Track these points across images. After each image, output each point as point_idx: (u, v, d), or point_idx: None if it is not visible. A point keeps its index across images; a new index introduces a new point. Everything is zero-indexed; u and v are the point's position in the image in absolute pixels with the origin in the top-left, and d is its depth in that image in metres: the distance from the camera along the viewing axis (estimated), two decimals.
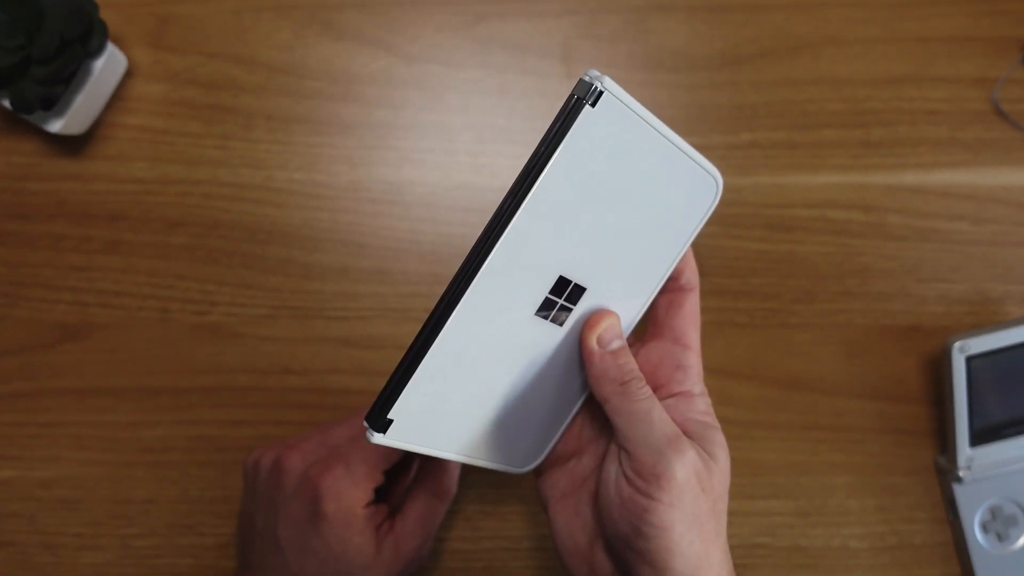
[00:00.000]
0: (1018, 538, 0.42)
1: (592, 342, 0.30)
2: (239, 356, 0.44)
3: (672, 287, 0.33)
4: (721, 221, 0.45)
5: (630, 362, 0.30)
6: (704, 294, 0.44)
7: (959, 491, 0.42)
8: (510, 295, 0.28)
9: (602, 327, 0.30)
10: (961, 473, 0.42)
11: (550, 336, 0.30)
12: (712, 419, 0.31)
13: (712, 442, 0.30)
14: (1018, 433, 0.42)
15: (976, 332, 0.41)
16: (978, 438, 0.42)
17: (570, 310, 0.29)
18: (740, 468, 0.42)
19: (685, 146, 0.28)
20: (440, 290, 0.42)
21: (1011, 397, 0.42)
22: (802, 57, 0.46)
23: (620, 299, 0.31)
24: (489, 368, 0.29)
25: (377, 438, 0.27)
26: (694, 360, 0.32)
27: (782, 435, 0.44)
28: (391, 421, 0.28)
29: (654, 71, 0.46)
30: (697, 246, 0.44)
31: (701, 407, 0.31)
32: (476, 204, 0.45)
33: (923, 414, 0.44)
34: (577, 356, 0.31)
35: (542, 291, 0.28)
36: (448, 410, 0.29)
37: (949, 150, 0.46)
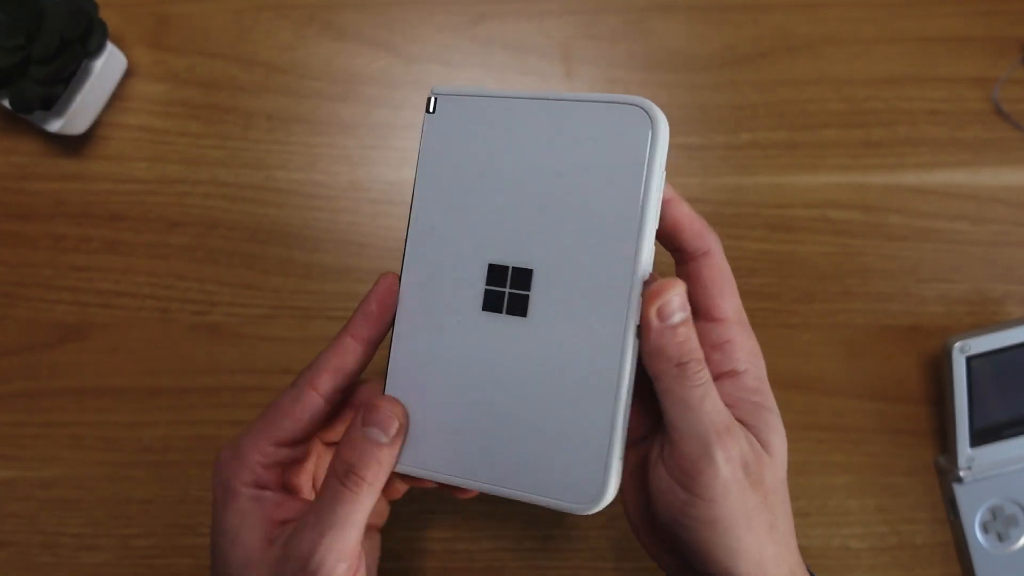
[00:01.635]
0: (1019, 538, 0.42)
1: (652, 314, 0.26)
2: (239, 356, 0.44)
3: (683, 258, 0.30)
4: (721, 221, 0.45)
5: (692, 339, 0.26)
6: None
7: (959, 491, 0.42)
8: (447, 296, 0.29)
9: (665, 298, 0.26)
10: (961, 473, 0.42)
11: (521, 330, 0.28)
12: (765, 398, 0.29)
13: (765, 427, 0.28)
14: (1018, 433, 0.42)
15: (976, 332, 0.42)
16: (978, 438, 0.42)
17: (526, 296, 0.28)
18: None
19: (575, 96, 0.28)
20: None
21: (1011, 397, 0.42)
22: (802, 57, 0.46)
23: (593, 271, 0.28)
24: (469, 380, 0.29)
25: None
26: (733, 333, 0.29)
27: None
28: None
29: (654, 71, 0.46)
30: None
31: (751, 384, 0.29)
32: None
33: (923, 414, 0.44)
34: (584, 346, 0.28)
35: (478, 284, 0.29)
36: (453, 431, 0.29)
37: (949, 150, 0.46)
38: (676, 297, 0.26)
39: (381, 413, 0.28)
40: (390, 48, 0.47)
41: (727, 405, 0.27)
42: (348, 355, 0.30)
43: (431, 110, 0.30)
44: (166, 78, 0.46)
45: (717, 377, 0.28)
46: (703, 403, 0.26)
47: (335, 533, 0.27)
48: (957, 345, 0.41)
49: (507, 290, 0.28)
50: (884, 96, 0.46)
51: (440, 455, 0.29)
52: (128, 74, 0.46)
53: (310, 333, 0.44)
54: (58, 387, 0.44)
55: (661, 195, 0.27)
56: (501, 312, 0.28)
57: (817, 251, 0.45)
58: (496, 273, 0.28)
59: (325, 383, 0.29)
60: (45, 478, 0.43)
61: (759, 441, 0.27)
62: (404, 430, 0.28)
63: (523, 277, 0.28)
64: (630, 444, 0.29)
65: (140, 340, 0.44)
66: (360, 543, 0.28)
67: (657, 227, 0.28)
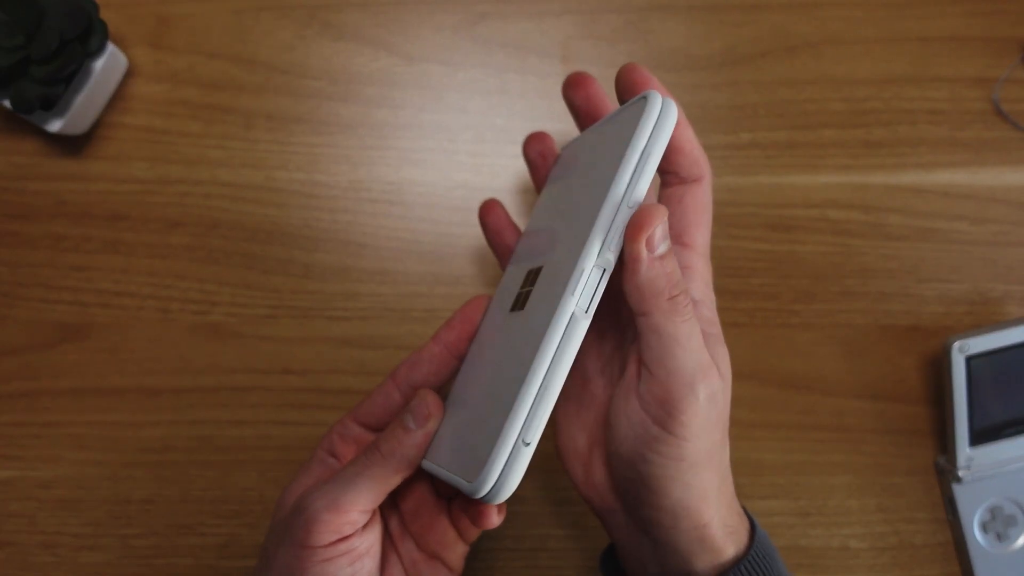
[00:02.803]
0: (1018, 538, 0.43)
1: (641, 245, 0.25)
2: (239, 356, 0.44)
3: (672, 180, 0.29)
4: (720, 221, 0.45)
5: (677, 272, 0.26)
6: None
7: (959, 491, 0.43)
8: (496, 307, 0.31)
9: (653, 226, 0.24)
10: (961, 473, 0.42)
11: (515, 324, 0.28)
12: (717, 328, 0.29)
13: (720, 357, 0.27)
14: (1018, 433, 0.43)
15: (976, 332, 0.42)
16: (978, 438, 0.42)
17: (529, 292, 0.28)
18: (740, 468, 0.41)
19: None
20: (441, 290, 0.42)
21: (1011, 397, 0.42)
22: (802, 57, 0.47)
23: (564, 257, 0.27)
24: (472, 378, 0.30)
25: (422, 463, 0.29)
26: (697, 261, 0.29)
27: (782, 435, 0.44)
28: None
29: (654, 71, 0.44)
30: None
31: (707, 315, 0.29)
32: (476, 204, 0.44)
33: (923, 414, 0.45)
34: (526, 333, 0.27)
35: (516, 288, 0.30)
36: (457, 429, 0.29)
37: (949, 150, 0.46)
38: (662, 225, 0.25)
39: (417, 401, 0.29)
40: (390, 48, 0.47)
41: None
42: (425, 353, 0.32)
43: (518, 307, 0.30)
44: (167, 78, 0.46)
45: None
46: (691, 339, 0.26)
47: (332, 485, 0.28)
48: (957, 345, 0.41)
49: (520, 289, 0.29)
50: (884, 96, 0.46)
51: (448, 454, 0.29)
52: (129, 74, 0.46)
53: (310, 333, 0.44)
54: (58, 387, 0.44)
55: (649, 178, 0.26)
56: (516, 310, 0.29)
57: (817, 251, 0.45)
58: (529, 276, 0.29)
59: (401, 376, 0.32)
60: (45, 478, 0.43)
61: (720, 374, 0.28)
62: (432, 421, 0.29)
63: (534, 275, 0.29)
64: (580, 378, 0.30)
65: (140, 340, 0.44)
66: (365, 516, 0.28)
67: (643, 198, 0.26)
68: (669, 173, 0.30)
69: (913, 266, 0.45)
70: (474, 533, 0.33)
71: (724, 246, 0.45)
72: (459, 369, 0.32)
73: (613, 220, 0.25)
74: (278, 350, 0.44)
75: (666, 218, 0.25)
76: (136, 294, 0.45)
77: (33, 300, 0.45)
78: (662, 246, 0.25)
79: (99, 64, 0.43)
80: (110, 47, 0.43)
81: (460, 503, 0.32)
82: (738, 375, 0.43)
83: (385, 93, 0.46)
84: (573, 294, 0.25)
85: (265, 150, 0.46)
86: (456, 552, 0.32)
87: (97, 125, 0.46)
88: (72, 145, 0.46)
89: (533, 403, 0.25)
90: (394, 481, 0.29)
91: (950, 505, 0.43)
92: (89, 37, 0.42)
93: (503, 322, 0.29)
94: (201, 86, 0.46)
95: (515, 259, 0.33)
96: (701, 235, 0.29)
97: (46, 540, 0.43)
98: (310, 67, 0.47)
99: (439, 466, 0.28)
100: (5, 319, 0.45)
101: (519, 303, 0.28)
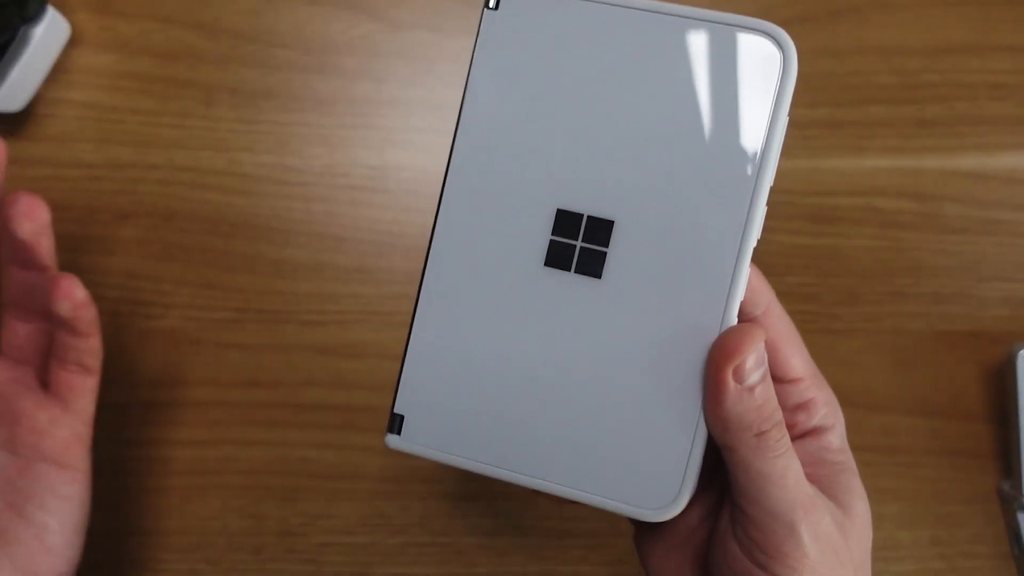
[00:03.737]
0: None
1: (728, 374, 0.24)
2: (199, 366, 0.42)
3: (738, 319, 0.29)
4: None
5: (772, 401, 0.25)
6: None
7: None
8: (497, 244, 0.25)
9: (745, 352, 0.24)
10: None
11: (592, 294, 0.26)
12: (847, 457, 0.28)
13: (847, 490, 0.27)
14: None
15: None
16: None
17: (603, 254, 0.25)
18: None
19: (684, 11, 0.25)
20: None
21: None
22: (845, 23, 0.45)
23: (692, 232, 0.25)
24: (520, 346, 0.25)
25: (392, 441, 0.26)
26: (812, 388, 0.28)
27: None
28: (401, 418, 0.26)
29: None
30: None
31: (835, 443, 0.28)
32: None
33: (984, 433, 0.43)
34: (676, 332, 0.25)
35: (542, 234, 0.25)
36: (494, 412, 0.26)
37: (1015, 130, 0.44)
38: (755, 352, 0.24)
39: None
40: (372, 12, 0.45)
41: (806, 464, 0.26)
42: None
43: (493, 5, 0.26)
44: (115, 47, 0.44)
45: (800, 437, 0.27)
46: (786, 477, 0.24)
47: None
48: (1023, 353, 0.40)
49: (579, 243, 0.25)
50: (939, 68, 0.45)
51: (467, 436, 0.26)
52: (71, 43, 0.44)
53: (280, 340, 0.42)
54: None
55: (781, 146, 0.25)
56: (569, 270, 0.25)
57: (863, 246, 0.44)
58: (566, 221, 0.25)
59: None
60: None
61: (840, 506, 0.26)
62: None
63: (602, 229, 0.25)
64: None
65: None
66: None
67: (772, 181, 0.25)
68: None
69: (973, 263, 0.44)
70: (84, 389, 0.32)
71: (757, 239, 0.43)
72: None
73: (753, 201, 0.25)
74: (243, 359, 0.42)
75: (762, 341, 0.24)
76: None
77: None
78: (755, 375, 0.24)
79: (38, 31, 0.41)
80: (50, 12, 0.41)
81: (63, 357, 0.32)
82: None
83: (366, 64, 0.44)
84: (728, 309, 0.25)
85: (228, 130, 0.44)
86: (60, 435, 0.32)
87: (36, 101, 0.43)
88: (7, 124, 0.44)
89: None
90: None
91: (1015, 538, 0.41)
92: (26, 1, 0.40)
93: (546, 282, 0.26)
94: (155, 56, 0.44)
95: (475, 168, 0.27)
96: (800, 359, 0.28)
97: None
98: (280, 34, 0.45)
99: (583, 491, 0.25)
100: None
101: (586, 266, 0.25)
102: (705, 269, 0.25)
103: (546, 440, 0.25)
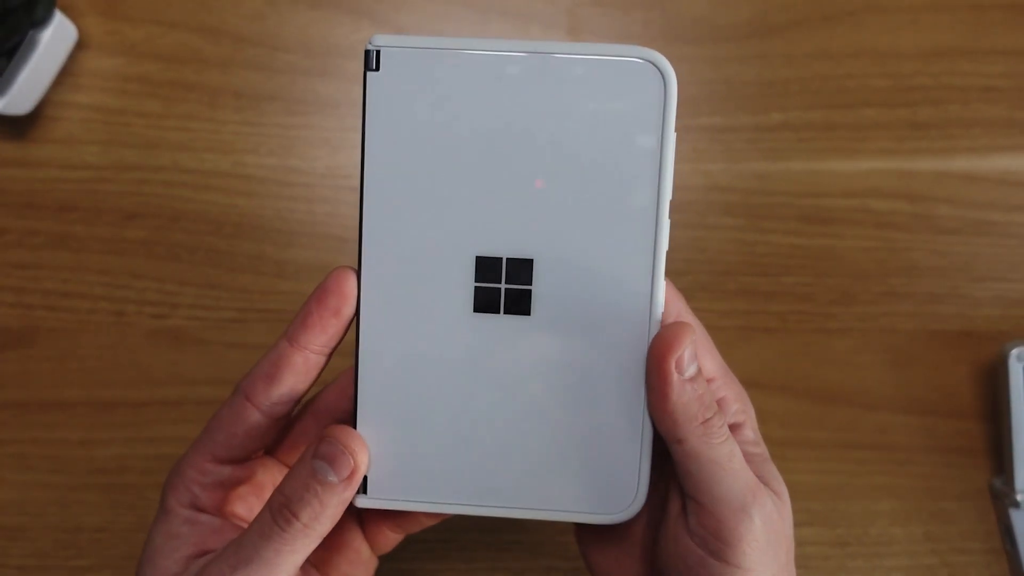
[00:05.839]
0: None
1: (671, 366, 0.25)
2: (203, 365, 0.43)
3: None
4: (749, 212, 0.44)
5: (708, 391, 0.26)
6: (729, 295, 0.43)
7: (1017, 517, 0.41)
8: (427, 300, 0.26)
9: (683, 344, 0.25)
10: (1019, 497, 0.41)
11: (525, 330, 0.27)
12: (762, 447, 0.29)
13: (773, 478, 0.28)
14: None
15: None
16: None
17: (528, 292, 0.26)
18: None
19: (563, 48, 0.26)
20: None
21: None
22: (840, 26, 0.45)
23: (605, 256, 0.27)
24: (466, 390, 0.27)
25: (361, 500, 0.27)
26: (723, 388, 0.29)
27: (818, 454, 0.43)
28: (364, 477, 0.27)
29: (673, 43, 0.44)
30: (719, 240, 0.43)
31: (751, 436, 0.29)
32: None
33: (977, 431, 0.43)
34: (609, 351, 0.27)
35: (467, 282, 0.26)
36: (447, 452, 0.27)
37: (1007, 132, 0.45)
38: (690, 346, 0.26)
39: (334, 447, 0.25)
40: (374, 16, 0.45)
41: None
42: (284, 363, 0.27)
43: (374, 66, 0.26)
44: (121, 51, 0.45)
45: None
46: (733, 462, 0.26)
47: (249, 571, 0.25)
48: (1015, 352, 0.41)
49: (503, 286, 0.26)
50: (933, 71, 0.45)
51: (431, 482, 0.27)
52: (79, 47, 0.44)
53: None
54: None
55: (674, 160, 0.26)
56: (499, 312, 0.26)
57: (857, 246, 0.44)
58: (487, 266, 0.26)
59: (260, 393, 0.27)
60: None
61: (773, 492, 0.27)
62: (360, 472, 0.26)
63: (522, 269, 0.26)
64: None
65: (92, 347, 0.43)
66: None
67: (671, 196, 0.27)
68: None
69: (965, 264, 0.44)
70: (395, 540, 0.32)
71: (753, 240, 0.44)
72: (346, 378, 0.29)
73: (657, 216, 0.26)
74: (247, 358, 0.41)
75: (694, 338, 0.26)
76: (87, 295, 0.43)
77: None
78: (692, 367, 0.26)
79: (46, 35, 0.41)
80: (58, 16, 0.42)
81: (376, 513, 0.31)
82: (768, 386, 0.43)
83: None
84: (652, 318, 0.26)
85: (233, 132, 0.44)
86: (369, 570, 0.32)
87: (43, 104, 0.44)
88: (15, 127, 0.44)
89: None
90: (313, 546, 0.26)
91: (1007, 533, 0.42)
92: (34, 5, 0.40)
93: (480, 327, 0.27)
94: (160, 60, 0.44)
95: (388, 225, 0.27)
96: (711, 361, 0.29)
97: None
98: (283, 38, 0.45)
99: (542, 508, 0.27)
100: None
101: (514, 306, 0.26)
102: (625, 287, 0.26)
103: (505, 471, 0.27)
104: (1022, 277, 0.44)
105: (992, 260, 0.44)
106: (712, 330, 0.42)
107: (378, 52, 0.26)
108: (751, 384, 0.42)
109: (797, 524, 0.42)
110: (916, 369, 0.44)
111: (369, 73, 0.26)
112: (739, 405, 0.29)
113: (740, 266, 0.44)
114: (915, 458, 0.43)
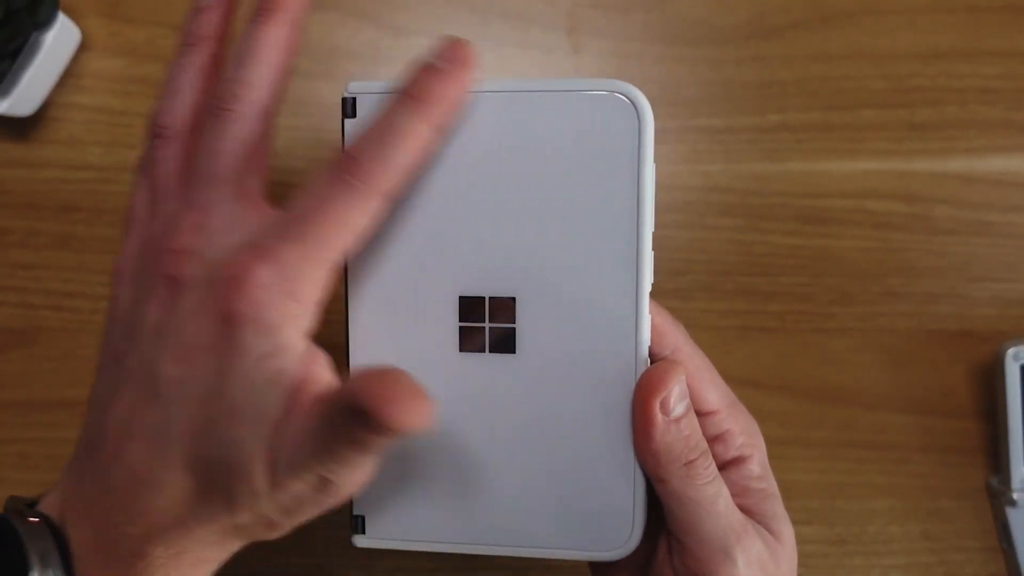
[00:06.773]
0: None
1: (655, 408, 0.25)
2: None
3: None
4: (747, 213, 0.44)
5: (696, 432, 0.26)
6: (728, 295, 0.43)
7: (1014, 516, 0.42)
8: (413, 342, 0.27)
9: (668, 385, 0.25)
10: (1016, 496, 0.41)
11: (511, 369, 0.27)
12: (770, 483, 0.29)
13: (774, 517, 0.28)
14: None
15: None
16: None
17: (512, 330, 0.26)
18: None
19: (534, 85, 0.26)
20: None
21: None
22: (838, 28, 0.45)
23: (588, 291, 0.27)
24: (457, 429, 0.27)
25: (360, 541, 0.27)
26: (728, 421, 0.28)
27: (816, 454, 0.43)
28: (362, 518, 0.27)
29: (672, 44, 0.44)
30: (718, 240, 0.44)
31: (756, 471, 0.28)
32: None
33: (974, 430, 0.43)
34: (600, 387, 0.27)
35: (452, 322, 0.26)
36: (444, 492, 0.27)
37: (1004, 133, 0.44)
38: (678, 386, 0.26)
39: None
40: (375, 20, 0.45)
41: (733, 495, 0.27)
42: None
43: (350, 113, 0.26)
44: (124, 52, 0.44)
45: (722, 467, 0.28)
46: (717, 503, 0.26)
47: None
48: (1011, 352, 0.41)
49: (487, 324, 0.26)
50: (930, 72, 0.45)
51: (428, 521, 0.27)
52: (81, 48, 0.44)
53: None
54: (2, 399, 0.43)
55: (654, 192, 0.26)
56: (484, 351, 0.26)
57: (855, 246, 0.44)
58: (471, 306, 0.26)
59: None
60: None
61: (770, 532, 0.27)
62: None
63: (505, 307, 0.26)
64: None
65: (93, 347, 0.42)
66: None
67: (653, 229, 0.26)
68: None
69: (963, 264, 0.44)
70: None
71: (751, 241, 0.44)
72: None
73: (639, 249, 0.26)
74: None
75: (683, 376, 0.26)
76: (89, 295, 0.44)
77: None
78: (679, 407, 0.26)
79: (49, 37, 0.41)
80: (61, 18, 0.42)
81: None
82: (766, 386, 0.43)
83: (370, 70, 0.45)
84: (638, 354, 0.26)
85: None
86: None
87: (46, 105, 0.44)
88: (18, 128, 0.44)
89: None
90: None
91: (1004, 532, 0.42)
92: (38, 7, 0.40)
93: (467, 366, 0.27)
94: (163, 61, 0.44)
95: (372, 266, 0.27)
96: (716, 392, 0.28)
97: None
98: None
99: (537, 547, 0.27)
100: None
101: (499, 345, 0.27)
102: (609, 323, 0.26)
103: (502, 510, 0.27)
104: (1019, 277, 0.44)
105: (989, 260, 0.44)
106: (711, 330, 0.43)
107: (354, 100, 0.26)
108: (750, 383, 0.43)
109: (795, 523, 0.41)
110: (914, 369, 0.44)
111: (347, 120, 0.26)
112: (745, 438, 0.28)
113: (739, 266, 0.44)
114: (913, 457, 0.43)
